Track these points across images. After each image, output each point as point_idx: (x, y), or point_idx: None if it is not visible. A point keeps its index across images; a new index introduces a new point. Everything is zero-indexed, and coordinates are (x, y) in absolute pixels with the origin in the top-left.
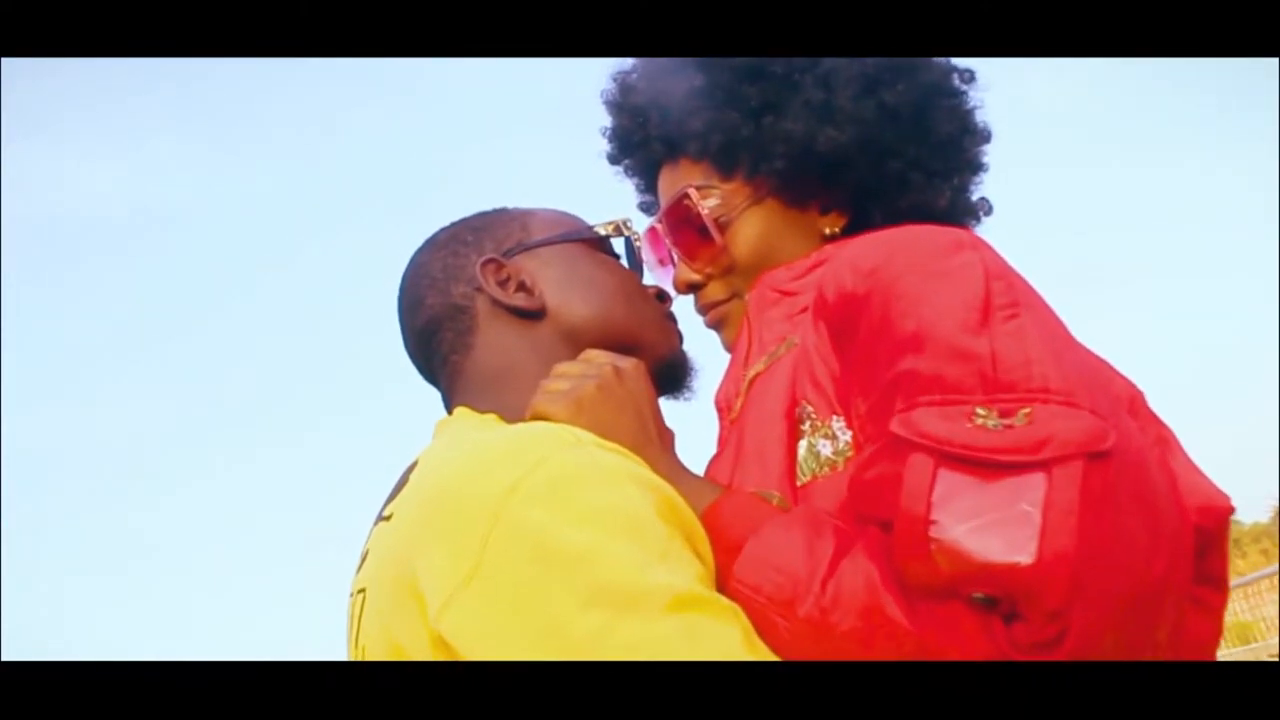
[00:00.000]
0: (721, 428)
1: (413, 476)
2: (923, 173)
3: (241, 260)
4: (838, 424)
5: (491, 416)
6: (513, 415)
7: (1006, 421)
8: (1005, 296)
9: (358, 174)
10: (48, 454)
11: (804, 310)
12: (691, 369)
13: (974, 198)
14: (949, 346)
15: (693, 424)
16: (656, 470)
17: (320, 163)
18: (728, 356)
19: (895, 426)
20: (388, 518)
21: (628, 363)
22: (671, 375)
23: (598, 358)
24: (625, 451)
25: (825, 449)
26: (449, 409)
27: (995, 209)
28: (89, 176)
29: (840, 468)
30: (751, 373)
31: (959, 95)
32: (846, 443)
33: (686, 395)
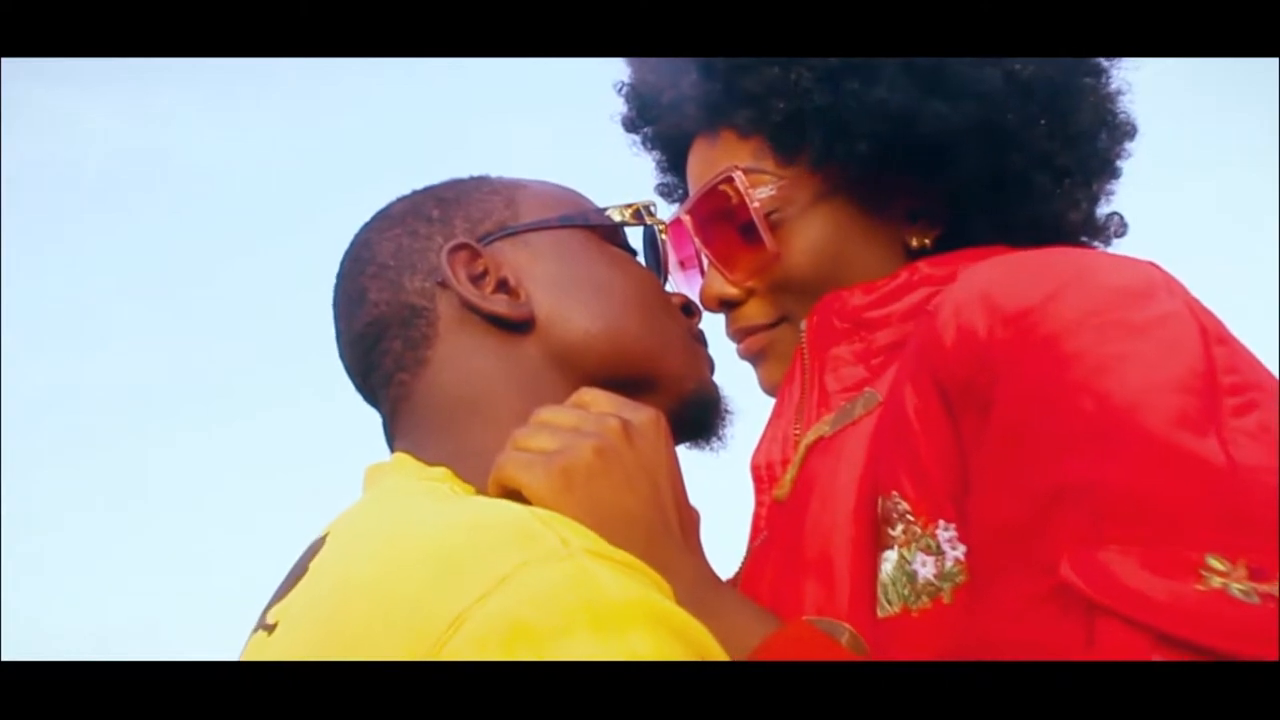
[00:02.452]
0: (760, 504)
1: (314, 566)
2: (1052, 174)
3: (252, 213)
4: (946, 533)
5: (440, 474)
6: (472, 470)
7: (1265, 588)
8: (1235, 374)
9: (378, 133)
10: (44, 402)
11: (887, 352)
12: (725, 411)
13: (1105, 212)
14: (1160, 449)
15: (714, 477)
16: (676, 583)
17: (339, 119)
18: (768, 402)
19: (1070, 572)
20: (270, 627)
21: (644, 415)
22: (698, 418)
23: (600, 403)
24: (634, 564)
25: (925, 569)
26: (390, 446)
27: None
28: (90, 117)
29: (946, 600)
30: (811, 436)
31: (1102, 74)
32: (958, 562)
33: (715, 445)
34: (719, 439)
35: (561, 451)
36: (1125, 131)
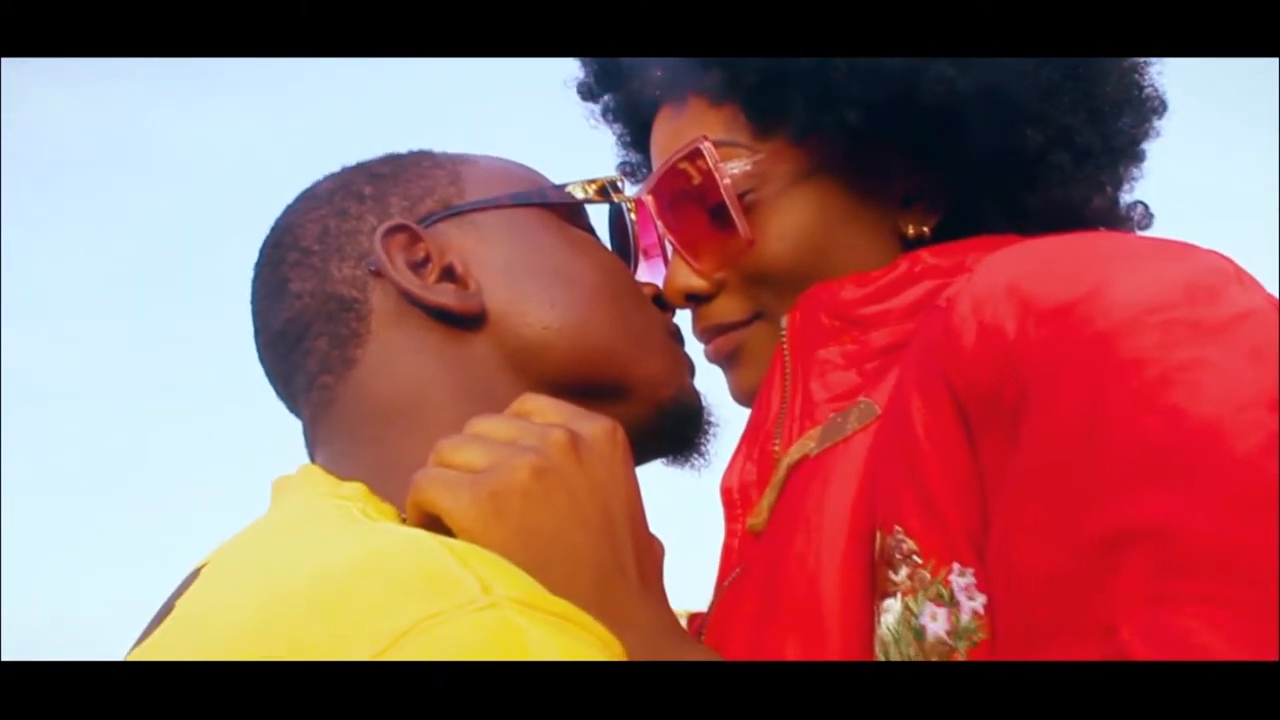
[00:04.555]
0: (732, 534)
1: (180, 605)
2: (1073, 153)
3: (234, 205)
4: (962, 580)
5: (353, 491)
6: (395, 487)
7: None
8: None
9: (365, 125)
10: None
11: (884, 355)
12: (708, 423)
13: (1128, 199)
14: (1249, 483)
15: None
16: (628, 637)
17: (326, 109)
18: (743, 414)
19: (1135, 638)
20: None
21: (596, 427)
22: (677, 431)
23: (545, 411)
24: (575, 615)
25: (935, 623)
26: (310, 455)
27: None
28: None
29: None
30: (794, 454)
31: None
32: (975, 616)
33: (697, 462)
34: (701, 455)
35: (492, 470)
36: (1153, 108)
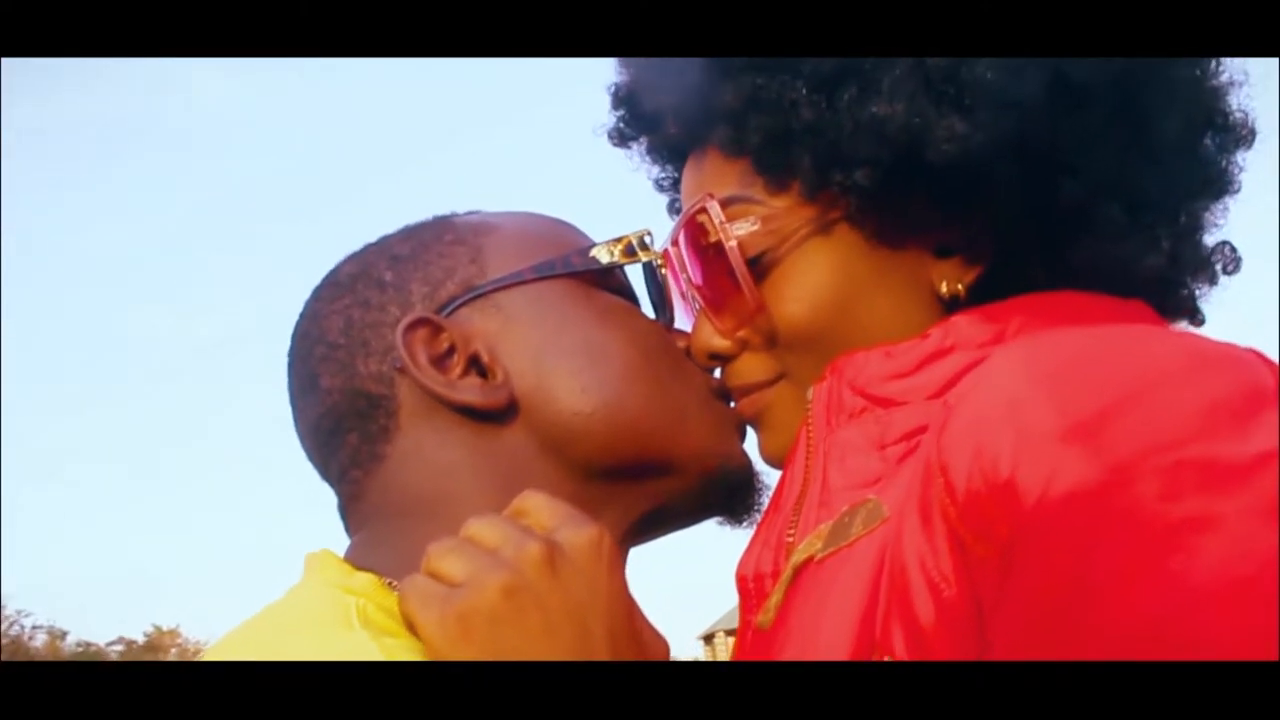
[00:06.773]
0: (745, 626)
1: None
2: (1123, 203)
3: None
4: None
5: (362, 583)
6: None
7: None
8: None
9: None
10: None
11: (909, 438)
12: (758, 489)
13: (1207, 242)
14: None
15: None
16: None
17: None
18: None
19: None
20: None
21: (581, 538)
22: (725, 501)
23: (541, 513)
24: None
25: None
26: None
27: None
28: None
29: None
30: (800, 554)
31: (1199, 65)
32: None
33: (749, 523)
34: (751, 518)
35: (465, 587)
36: (1238, 137)
